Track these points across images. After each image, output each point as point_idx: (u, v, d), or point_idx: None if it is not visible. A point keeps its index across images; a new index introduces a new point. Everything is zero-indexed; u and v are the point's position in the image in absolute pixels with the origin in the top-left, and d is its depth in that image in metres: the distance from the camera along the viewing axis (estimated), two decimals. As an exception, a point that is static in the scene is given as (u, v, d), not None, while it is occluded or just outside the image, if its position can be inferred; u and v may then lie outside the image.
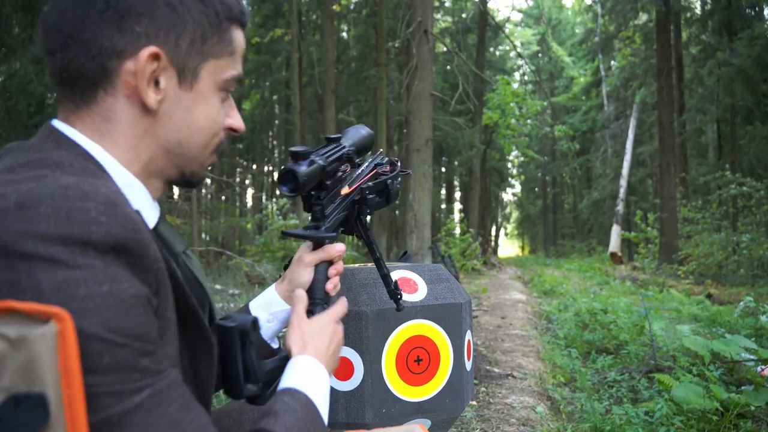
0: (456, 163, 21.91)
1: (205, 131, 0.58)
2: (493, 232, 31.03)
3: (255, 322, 0.61)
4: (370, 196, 0.87)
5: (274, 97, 20.60)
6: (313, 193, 0.77)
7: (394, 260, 1.18)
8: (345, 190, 0.82)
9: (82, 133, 0.53)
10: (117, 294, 0.40)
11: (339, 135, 0.85)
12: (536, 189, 32.27)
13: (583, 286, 9.11)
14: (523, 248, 42.27)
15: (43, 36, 0.53)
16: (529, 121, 16.00)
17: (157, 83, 0.54)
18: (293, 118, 12.52)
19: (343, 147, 0.82)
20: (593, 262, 15.86)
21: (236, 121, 0.63)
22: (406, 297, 1.14)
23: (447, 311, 1.16)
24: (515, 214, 39.22)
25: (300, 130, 11.77)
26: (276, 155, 23.73)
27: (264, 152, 22.57)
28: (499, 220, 35.36)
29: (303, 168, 0.70)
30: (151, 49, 0.52)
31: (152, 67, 0.53)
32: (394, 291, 0.94)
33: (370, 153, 0.95)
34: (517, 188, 34.78)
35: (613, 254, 15.43)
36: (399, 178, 0.94)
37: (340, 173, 0.82)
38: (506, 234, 43.45)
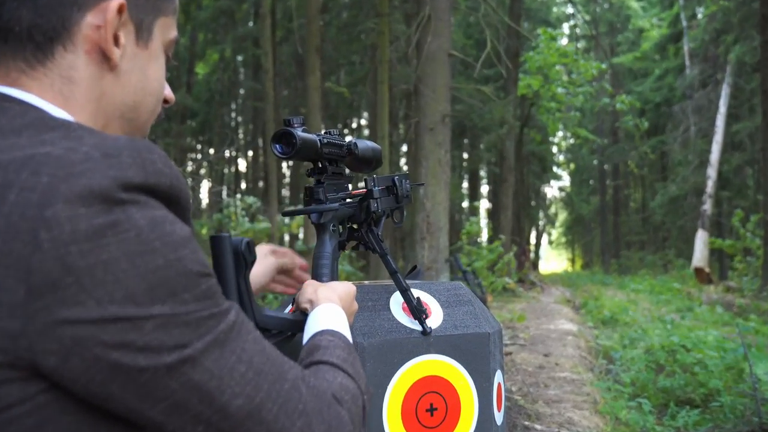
0: (482, 146, 21.94)
1: (156, 94, 0.71)
2: (533, 240, 31.02)
3: (250, 244, 0.77)
4: (377, 188, 1.13)
5: (238, 58, 20.67)
6: (312, 177, 1.06)
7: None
8: (354, 191, 1.13)
9: (41, 97, 0.62)
10: (186, 232, 0.57)
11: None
12: (591, 182, 32.25)
13: (656, 313, 9.10)
14: (573, 261, 42.18)
15: None
16: (581, 89, 16.02)
17: (115, 40, 0.64)
18: (264, 87, 12.55)
19: (345, 140, 1.10)
20: (670, 280, 15.84)
21: (168, 90, 0.76)
22: (414, 325, 1.16)
23: (469, 344, 1.17)
24: (563, 216, 39.19)
25: (273, 102, 11.81)
26: (240, 135, 23.82)
27: (224, 132, 22.64)
28: (541, 223, 35.35)
29: (299, 132, 0.96)
30: (120, 1, 0.63)
31: (117, 21, 0.63)
32: (417, 309, 1.14)
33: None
34: (566, 180, 34.78)
35: (698, 270, 15.39)
36: (408, 180, 1.19)
37: (345, 171, 1.11)
38: (550, 242, 43.46)
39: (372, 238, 1.17)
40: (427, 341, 1.14)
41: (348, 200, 1.12)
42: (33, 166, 0.52)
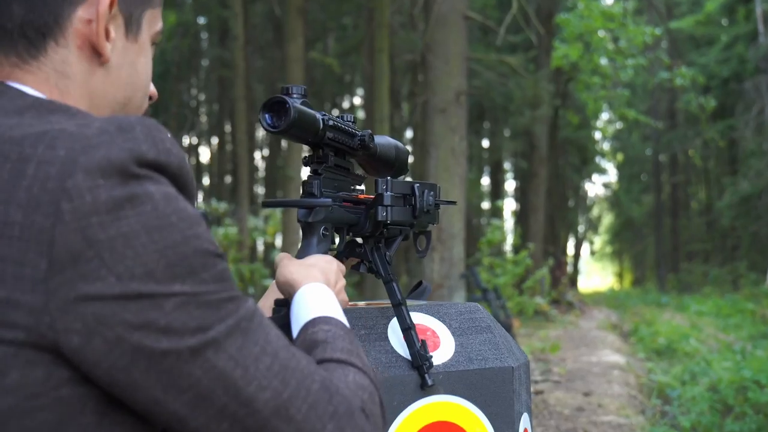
0: (508, 133, 21.94)
1: (144, 89, 0.84)
2: (571, 250, 31.03)
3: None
4: (389, 193, 1.12)
5: (200, 21, 20.70)
6: (309, 166, 1.08)
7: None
8: (360, 196, 1.15)
9: (38, 90, 0.73)
10: (196, 212, 0.67)
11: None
12: (643, 176, 32.26)
13: (724, 340, 9.10)
14: (621, 276, 42.17)
15: None
16: (630, 61, 16.03)
17: (106, 34, 0.76)
18: (233, 57, 12.56)
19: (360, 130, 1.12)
20: (741, 300, 15.85)
21: (151, 86, 0.88)
22: (421, 358, 1.16)
23: (488, 381, 1.17)
24: (608, 219, 39.22)
25: (244, 76, 11.83)
26: (204, 117, 23.85)
27: (182, 113, 22.70)
28: (581, 229, 35.37)
29: (297, 103, 0.98)
30: None
31: (108, 15, 0.75)
32: (420, 355, 1.11)
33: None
34: (611, 175, 34.81)
35: (774, 287, 15.40)
36: (433, 193, 1.20)
37: (349, 166, 1.15)
38: (593, 253, 43.48)
39: (377, 258, 1.17)
40: (435, 379, 1.14)
41: (345, 203, 1.13)
42: (48, 140, 0.63)
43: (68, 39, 0.74)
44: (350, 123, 1.12)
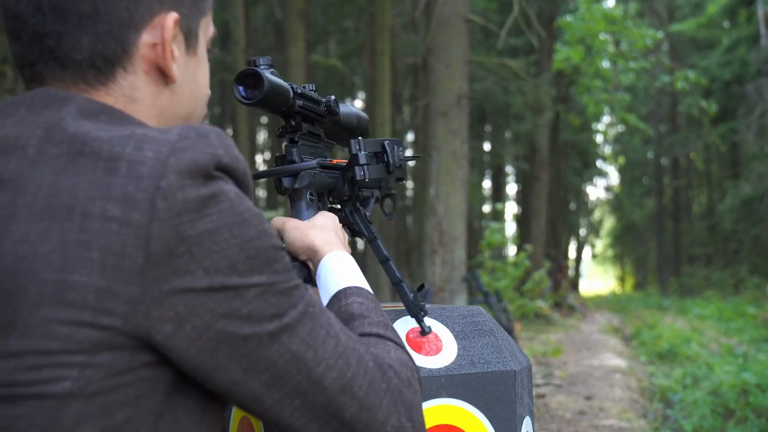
0: (509, 135, 21.95)
1: (205, 99, 0.89)
2: (572, 253, 31.03)
3: None
4: (363, 152, 1.14)
5: (202, 25, 20.76)
6: (285, 137, 1.12)
7: (399, 300, 1.21)
8: (334, 160, 1.17)
9: None
10: (259, 210, 0.74)
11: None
12: (645, 180, 32.28)
13: (725, 344, 9.11)
14: (623, 280, 42.19)
15: (38, 18, 0.74)
16: (632, 64, 16.03)
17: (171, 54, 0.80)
18: (234, 61, 12.58)
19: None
20: (743, 303, 15.85)
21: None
22: (423, 361, 1.16)
23: (490, 385, 1.17)
24: (609, 223, 39.25)
25: (245, 79, 11.81)
26: (206, 120, 23.83)
27: (184, 117, 22.78)
28: (583, 232, 35.39)
29: (268, 74, 1.01)
30: (174, 15, 0.78)
31: (172, 37, 0.78)
32: (414, 305, 1.15)
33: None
34: (613, 178, 34.84)
35: (776, 291, 15.39)
36: (401, 148, 1.21)
37: (322, 136, 1.18)
38: (594, 256, 43.49)
39: (358, 219, 1.19)
40: (437, 382, 1.14)
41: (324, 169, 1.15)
42: (135, 142, 0.68)
43: (135, 65, 0.78)
44: (313, 91, 1.14)
